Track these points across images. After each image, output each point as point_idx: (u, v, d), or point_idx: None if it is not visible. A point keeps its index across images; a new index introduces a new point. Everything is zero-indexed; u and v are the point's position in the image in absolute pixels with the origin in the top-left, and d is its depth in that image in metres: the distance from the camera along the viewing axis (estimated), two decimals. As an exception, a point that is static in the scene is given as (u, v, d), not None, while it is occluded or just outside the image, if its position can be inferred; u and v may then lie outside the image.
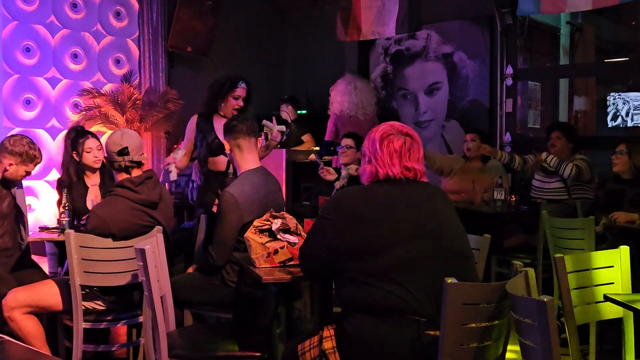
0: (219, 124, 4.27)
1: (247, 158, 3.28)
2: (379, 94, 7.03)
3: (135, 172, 3.18)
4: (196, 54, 7.03)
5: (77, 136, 3.93)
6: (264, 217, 2.76)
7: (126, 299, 3.24)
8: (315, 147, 6.61)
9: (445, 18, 6.51)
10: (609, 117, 7.23)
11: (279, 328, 3.32)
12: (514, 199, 4.99)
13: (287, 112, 6.92)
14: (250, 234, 2.71)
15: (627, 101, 7.10)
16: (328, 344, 2.17)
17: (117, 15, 6.69)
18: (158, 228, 3.09)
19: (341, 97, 6.60)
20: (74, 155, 3.89)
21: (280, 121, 7.01)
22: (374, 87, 7.03)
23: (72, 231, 3.02)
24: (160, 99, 6.55)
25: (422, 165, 2.29)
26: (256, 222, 2.76)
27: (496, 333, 2.00)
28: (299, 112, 7.06)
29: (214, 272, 3.20)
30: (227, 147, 3.33)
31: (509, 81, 6.09)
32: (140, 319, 3.20)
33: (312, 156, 5.75)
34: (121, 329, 3.73)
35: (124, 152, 3.13)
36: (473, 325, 1.94)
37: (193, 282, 3.20)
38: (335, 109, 6.66)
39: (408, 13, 6.11)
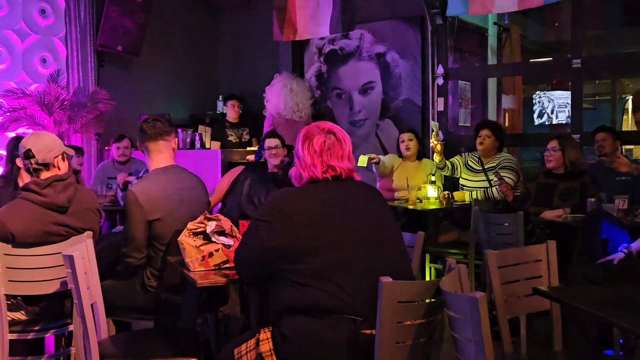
0: None
1: (155, 159, 3.22)
2: (313, 94, 7.04)
3: (45, 174, 3.05)
4: (127, 53, 6.87)
5: (17, 143, 3.80)
6: (198, 219, 2.72)
7: (57, 308, 3.12)
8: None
9: (378, 18, 6.59)
10: (535, 115, 7.48)
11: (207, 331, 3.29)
12: (446, 196, 5.08)
13: (235, 107, 6.89)
14: (184, 237, 2.66)
15: (552, 99, 7.37)
16: (265, 347, 2.15)
17: (43, 12, 6.47)
18: (88, 233, 2.99)
19: (277, 99, 6.59)
20: (17, 162, 3.79)
21: (224, 120, 7.00)
22: (309, 86, 7.04)
23: (-6, 239, 2.89)
24: (90, 99, 6.37)
25: (347, 162, 2.28)
26: (190, 225, 2.71)
27: (431, 330, 2.03)
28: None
29: (132, 272, 3.14)
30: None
31: (440, 80, 6.22)
32: (71, 327, 3.09)
33: (251, 156, 5.71)
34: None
35: (28, 154, 3.01)
36: (408, 322, 1.97)
37: (114, 288, 3.12)
38: (272, 109, 6.64)
39: (341, 13, 6.15)
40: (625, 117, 11.01)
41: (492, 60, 7.59)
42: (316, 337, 2.06)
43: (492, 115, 7.51)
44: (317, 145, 2.24)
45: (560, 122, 8.91)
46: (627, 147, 8.16)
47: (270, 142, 4.58)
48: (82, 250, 2.54)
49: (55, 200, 2.99)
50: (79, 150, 5.76)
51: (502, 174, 5.01)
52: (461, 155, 5.48)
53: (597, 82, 10.66)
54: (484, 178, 5.20)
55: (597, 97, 11.15)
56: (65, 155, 3.17)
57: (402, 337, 1.97)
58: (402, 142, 5.59)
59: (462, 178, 5.39)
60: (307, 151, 2.24)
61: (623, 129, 9.42)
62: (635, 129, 10.36)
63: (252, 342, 2.18)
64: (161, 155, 3.23)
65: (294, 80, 6.74)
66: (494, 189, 5.06)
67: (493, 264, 2.47)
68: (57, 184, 3.02)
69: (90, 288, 2.56)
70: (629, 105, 11.13)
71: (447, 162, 5.33)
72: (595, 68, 7.20)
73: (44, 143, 3.03)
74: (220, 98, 7.54)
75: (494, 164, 5.20)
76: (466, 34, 7.00)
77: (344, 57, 6.91)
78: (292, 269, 2.11)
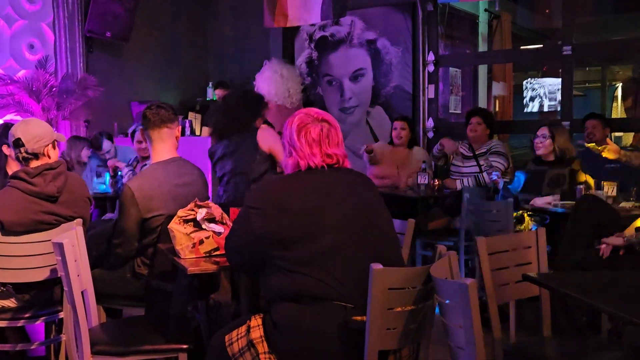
0: None
1: (158, 149, 3.19)
2: (304, 81, 7.02)
3: (35, 163, 3.02)
4: (116, 39, 6.82)
5: (5, 130, 3.76)
6: (188, 206, 2.71)
7: (47, 295, 3.12)
8: None
9: (369, 5, 6.57)
10: (525, 102, 7.50)
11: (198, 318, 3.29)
12: (437, 183, 5.10)
13: (220, 94, 6.88)
14: (174, 225, 2.65)
15: (542, 86, 7.39)
16: (256, 334, 2.16)
17: (30, -2, 6.39)
18: (78, 221, 2.98)
19: (268, 85, 6.56)
20: (4, 149, 3.74)
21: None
22: (300, 73, 7.01)
23: (-17, 226, 2.88)
24: (79, 85, 6.32)
25: (342, 149, 2.28)
26: (180, 212, 2.70)
27: (421, 316, 2.05)
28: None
29: (119, 264, 3.13)
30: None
31: (431, 67, 6.21)
32: (61, 315, 3.09)
33: None
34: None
35: (18, 143, 2.98)
36: (399, 309, 1.98)
37: (104, 276, 3.11)
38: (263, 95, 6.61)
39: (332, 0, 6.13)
40: (614, 104, 11.07)
41: (482, 47, 7.60)
42: (307, 323, 2.07)
43: (482, 102, 7.53)
44: (314, 133, 2.23)
45: (550, 109, 8.94)
46: (617, 134, 8.20)
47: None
48: (72, 237, 2.53)
49: (45, 189, 2.97)
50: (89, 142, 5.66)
51: (492, 160, 5.04)
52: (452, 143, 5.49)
53: (587, 69, 10.70)
54: (475, 164, 5.22)
55: (587, 85, 11.20)
56: (56, 143, 3.15)
57: (393, 324, 1.98)
58: (395, 129, 5.59)
59: (453, 164, 5.42)
60: (305, 140, 2.22)
61: (612, 116, 9.46)
62: (624, 116, 10.43)
63: (243, 329, 2.19)
64: (164, 144, 3.20)
65: (284, 67, 6.72)
66: (484, 174, 5.09)
67: (483, 250, 2.48)
68: (47, 173, 2.99)
69: (80, 275, 2.55)
70: (619, 92, 11.19)
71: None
72: (586, 55, 7.22)
73: (34, 132, 3.00)
74: (210, 84, 7.51)
75: (485, 151, 5.22)
76: (457, 20, 6.99)
77: (335, 43, 6.89)
78: (283, 256, 2.12)
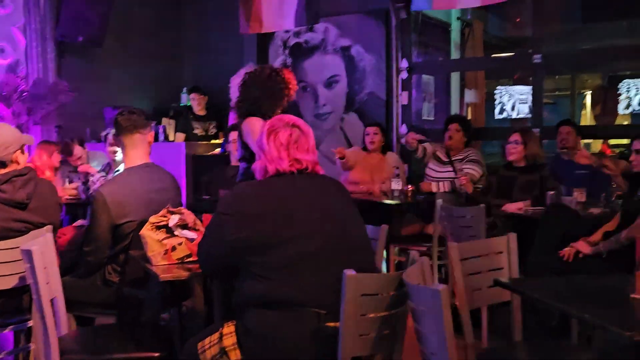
0: None
1: (130, 155, 3.16)
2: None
3: (3, 170, 2.96)
4: (88, 44, 6.74)
5: None
6: (161, 213, 2.69)
7: (15, 303, 3.06)
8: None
9: (343, 12, 6.60)
10: (496, 109, 7.59)
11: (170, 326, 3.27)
12: (410, 189, 5.13)
13: (197, 101, 6.83)
14: (146, 231, 2.63)
15: (513, 94, 7.48)
16: (228, 341, 2.15)
17: (1, 1, 6.30)
18: (48, 228, 2.93)
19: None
20: None
21: (191, 112, 6.94)
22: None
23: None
24: (50, 90, 6.24)
25: (313, 156, 2.28)
26: (152, 219, 2.68)
27: (395, 322, 2.06)
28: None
29: (91, 272, 3.09)
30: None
31: (404, 74, 6.26)
32: (30, 323, 3.04)
33: (217, 150, 5.69)
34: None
35: None
36: (372, 315, 1.98)
37: (74, 283, 3.07)
38: (237, 101, 6.58)
39: (306, 5, 6.14)
40: (583, 112, 11.27)
41: (455, 54, 7.67)
42: (280, 330, 2.06)
43: (455, 109, 7.60)
44: (283, 138, 2.23)
45: (521, 116, 9.06)
46: (586, 141, 8.33)
47: (233, 135, 4.56)
48: (42, 244, 2.49)
49: (15, 196, 2.92)
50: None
51: (468, 167, 5.10)
52: (431, 144, 5.53)
53: (557, 77, 10.87)
54: (451, 169, 5.27)
55: (557, 92, 11.38)
56: (24, 147, 3.10)
57: (366, 330, 1.99)
58: (367, 135, 5.62)
59: (429, 168, 5.46)
60: (273, 144, 2.23)
61: (581, 124, 9.62)
62: (593, 123, 10.61)
63: (216, 336, 2.18)
64: (136, 150, 3.16)
65: None
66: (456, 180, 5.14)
67: (455, 256, 2.50)
68: (17, 179, 2.94)
69: (50, 283, 2.51)
70: (588, 100, 11.39)
71: (420, 145, 5.42)
72: (555, 63, 7.32)
73: (0, 140, 2.95)
74: (185, 90, 7.47)
75: (461, 157, 5.28)
76: (430, 28, 7.05)
77: (309, 50, 6.90)
78: (255, 262, 2.11)
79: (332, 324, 2.04)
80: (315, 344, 2.05)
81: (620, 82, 9.11)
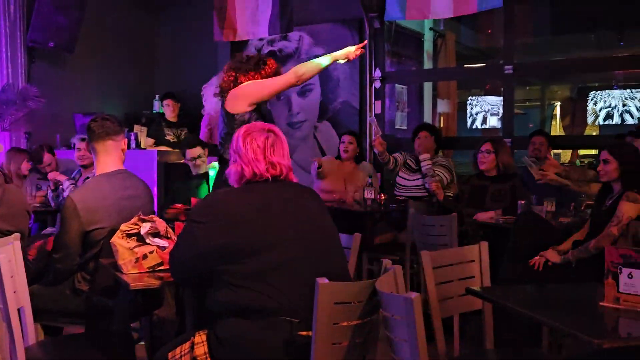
0: None
1: (102, 161, 3.11)
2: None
3: None
4: (59, 50, 6.65)
5: None
6: (132, 221, 2.66)
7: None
8: None
9: (317, 20, 6.62)
10: (468, 119, 7.66)
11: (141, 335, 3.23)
12: (383, 197, 5.15)
13: (171, 107, 6.77)
14: (117, 239, 2.59)
15: (485, 104, 7.57)
16: (200, 350, 2.13)
17: (-32, 6, 6.19)
18: (15, 235, 2.87)
19: (216, 98, 6.51)
20: None
21: (163, 119, 6.89)
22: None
23: None
24: (19, 96, 6.14)
25: (288, 161, 2.29)
26: (123, 227, 2.64)
27: (367, 330, 2.05)
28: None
29: (60, 280, 3.04)
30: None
31: (378, 84, 6.29)
32: (-4, 333, 2.97)
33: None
34: None
35: None
36: (345, 323, 1.98)
37: (42, 292, 3.01)
38: (210, 109, 6.56)
39: (280, 14, 6.15)
40: (553, 122, 11.45)
41: (428, 64, 7.74)
42: (252, 339, 2.05)
43: (427, 119, 7.66)
44: (259, 141, 2.24)
45: (492, 126, 9.16)
46: (556, 151, 8.46)
47: (193, 152, 4.64)
48: (9, 252, 2.44)
49: None
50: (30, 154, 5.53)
51: (437, 170, 5.16)
52: (401, 154, 5.58)
53: (527, 88, 11.04)
54: (420, 176, 5.31)
55: (527, 103, 11.54)
56: None
57: (339, 338, 1.98)
58: (342, 143, 5.64)
59: (399, 177, 5.50)
60: (250, 146, 2.23)
61: (551, 134, 9.76)
62: (563, 133, 10.79)
63: (187, 345, 2.15)
64: (109, 157, 3.12)
65: None
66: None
67: (427, 264, 2.52)
68: None
69: (17, 292, 2.46)
70: (557, 111, 11.58)
71: (391, 156, 5.45)
72: (526, 74, 7.45)
73: None
74: (157, 97, 7.41)
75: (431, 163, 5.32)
76: (403, 38, 7.11)
77: (283, 58, 6.90)
78: (228, 270, 2.10)
79: (304, 333, 2.03)
80: (287, 353, 2.04)
81: (589, 93, 9.28)
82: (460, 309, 2.63)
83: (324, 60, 3.65)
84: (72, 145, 5.65)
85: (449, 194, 5.07)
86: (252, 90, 3.43)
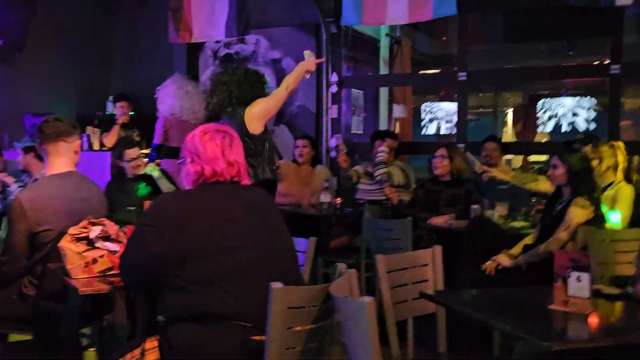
0: None
1: (53, 163, 3.03)
2: (208, 97, 6.95)
3: None
4: (8, 48, 6.46)
5: None
6: (81, 224, 2.59)
7: None
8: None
9: (274, 24, 6.60)
10: (423, 125, 7.76)
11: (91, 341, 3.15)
12: (339, 201, 5.17)
13: (121, 109, 6.64)
14: (65, 243, 2.53)
15: (440, 110, 7.68)
16: (151, 357, 2.08)
17: None
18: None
19: (172, 100, 6.44)
20: None
21: (112, 121, 6.76)
22: (204, 89, 6.94)
23: None
24: (-35, 95, 5.95)
25: (244, 161, 2.28)
26: (72, 230, 2.58)
27: (321, 335, 2.05)
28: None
29: (6, 284, 2.95)
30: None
31: (334, 88, 6.31)
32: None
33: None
34: None
35: None
36: (299, 328, 1.97)
37: None
38: (165, 111, 6.47)
39: (237, 17, 6.11)
40: (505, 128, 11.69)
41: (384, 70, 7.81)
42: (205, 344, 2.02)
43: (383, 124, 7.72)
44: (218, 140, 2.22)
45: (446, 132, 9.29)
46: (507, 157, 8.63)
47: (132, 153, 4.58)
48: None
49: None
50: None
51: (391, 169, 5.22)
52: (360, 165, 5.63)
53: (480, 95, 11.25)
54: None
55: (480, 109, 11.77)
56: None
57: (292, 343, 1.97)
58: (297, 147, 5.64)
59: (361, 183, 5.54)
60: (209, 144, 2.21)
61: (503, 140, 9.96)
62: (514, 140, 11.03)
63: (138, 352, 2.11)
64: (60, 159, 3.03)
65: (189, 83, 6.61)
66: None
67: (382, 268, 2.53)
68: None
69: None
70: (509, 117, 11.83)
71: (352, 171, 5.49)
72: (479, 81, 7.58)
73: None
74: (111, 99, 7.27)
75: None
76: (360, 43, 7.16)
77: (240, 61, 6.86)
78: (180, 275, 2.06)
79: (257, 338, 2.01)
80: (240, 358, 2.01)
81: (540, 101, 9.50)
82: (414, 312, 2.65)
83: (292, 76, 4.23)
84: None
85: (403, 199, 5.12)
86: (265, 111, 4.15)
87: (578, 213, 3.51)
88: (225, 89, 4.24)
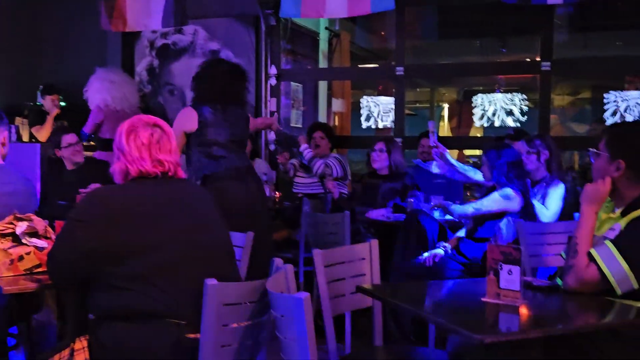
0: None
1: None
2: (144, 89, 6.80)
3: None
4: None
5: None
6: (6, 219, 2.48)
7: None
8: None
9: (212, 15, 6.50)
10: (362, 119, 7.82)
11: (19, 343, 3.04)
12: (278, 195, 5.15)
13: (53, 102, 6.40)
14: (-11, 240, 2.42)
15: (378, 104, 7.75)
16: (80, 357, 2.02)
17: None
18: None
19: (101, 95, 6.27)
20: None
21: (43, 113, 6.52)
22: (140, 80, 6.79)
23: None
24: None
25: (176, 157, 2.21)
26: (-4, 227, 2.47)
27: (257, 332, 2.03)
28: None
29: None
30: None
31: (273, 81, 6.27)
32: None
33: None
34: None
35: None
36: (234, 325, 1.94)
37: None
38: (99, 102, 6.29)
39: (174, 6, 5.99)
40: (441, 123, 11.91)
41: (323, 63, 7.81)
42: (138, 343, 1.97)
43: (322, 117, 7.73)
44: (144, 137, 2.14)
45: (385, 126, 9.39)
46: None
47: (71, 138, 4.46)
48: None
49: None
50: None
51: (328, 161, 5.25)
52: (297, 159, 5.62)
53: (417, 90, 11.42)
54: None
55: (417, 104, 11.94)
56: None
57: (228, 340, 1.94)
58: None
59: (297, 176, 5.53)
60: (134, 144, 2.13)
61: (439, 135, 10.13)
62: (450, 134, 11.25)
63: (66, 352, 2.04)
64: None
65: (110, 72, 6.43)
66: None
67: (319, 262, 2.53)
68: None
69: None
70: (445, 112, 12.06)
71: (289, 164, 5.48)
72: (416, 76, 7.68)
73: None
74: (41, 88, 7.00)
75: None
76: (299, 36, 7.13)
77: (177, 52, 6.73)
78: (111, 272, 2.00)
79: (192, 335, 1.97)
80: (175, 357, 1.98)
81: (474, 96, 9.72)
82: (351, 306, 2.66)
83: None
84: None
85: (343, 192, 5.15)
86: None
87: (496, 199, 3.61)
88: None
